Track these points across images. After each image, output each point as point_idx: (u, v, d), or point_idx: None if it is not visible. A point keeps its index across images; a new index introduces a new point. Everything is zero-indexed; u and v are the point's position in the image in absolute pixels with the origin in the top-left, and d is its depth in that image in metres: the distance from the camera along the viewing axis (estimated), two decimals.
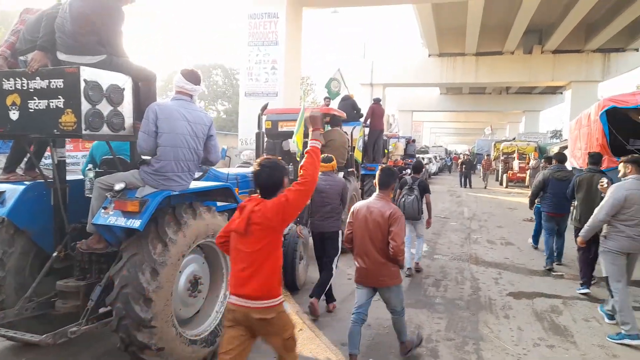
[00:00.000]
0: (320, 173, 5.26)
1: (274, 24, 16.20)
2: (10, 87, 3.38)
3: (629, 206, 4.68)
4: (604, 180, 5.51)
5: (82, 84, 3.18)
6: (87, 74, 3.23)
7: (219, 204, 4.70)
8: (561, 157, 7.95)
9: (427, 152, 35.65)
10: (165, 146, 3.50)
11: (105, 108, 3.37)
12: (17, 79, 3.35)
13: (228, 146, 17.76)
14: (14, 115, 3.39)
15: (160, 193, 3.45)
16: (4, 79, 3.39)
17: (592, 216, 4.97)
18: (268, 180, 2.75)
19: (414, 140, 24.20)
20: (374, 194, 4.04)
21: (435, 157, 34.35)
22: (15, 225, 3.81)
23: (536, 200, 8.06)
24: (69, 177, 4.15)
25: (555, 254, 7.71)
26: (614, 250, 4.76)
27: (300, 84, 24.10)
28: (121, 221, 3.30)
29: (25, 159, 4.26)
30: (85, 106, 3.21)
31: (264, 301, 2.64)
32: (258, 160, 2.86)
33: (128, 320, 3.29)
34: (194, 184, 3.96)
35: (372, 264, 3.84)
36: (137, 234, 3.34)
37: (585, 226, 5.07)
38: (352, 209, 4.04)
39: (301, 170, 2.75)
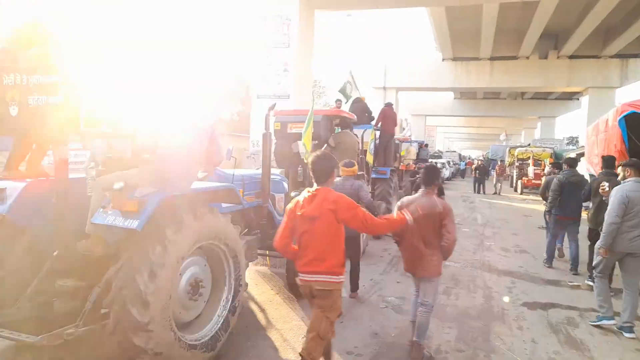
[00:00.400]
0: (341, 178, 5.71)
1: (286, 26, 16.13)
2: (11, 82, 3.32)
3: (632, 207, 4.92)
4: (605, 183, 5.71)
5: (80, 79, 3.10)
6: (87, 68, 3.15)
7: (224, 205, 4.62)
8: (572, 162, 8.03)
9: (440, 157, 35.29)
10: (167, 146, 3.40)
11: (106, 104, 3.28)
12: (17, 73, 3.29)
13: (240, 147, 17.71)
14: (13, 110, 3.32)
15: (160, 193, 3.34)
16: (4, 74, 3.33)
17: (604, 224, 5.07)
18: (322, 168, 3.29)
19: (426, 145, 23.97)
20: (420, 191, 4.26)
21: (448, 162, 33.99)
22: (15, 224, 3.74)
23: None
24: (74, 175, 4.08)
25: (570, 263, 7.61)
26: (612, 249, 5.03)
27: (312, 86, 24.02)
28: (119, 221, 3.20)
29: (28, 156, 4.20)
30: (83, 102, 3.12)
31: (328, 276, 3.14)
32: (314, 153, 3.40)
33: (124, 323, 3.19)
34: (197, 185, 3.85)
35: (419, 256, 4.08)
36: (136, 234, 3.23)
37: (602, 234, 5.11)
38: (398, 205, 4.27)
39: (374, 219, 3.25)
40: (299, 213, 3.22)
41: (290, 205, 3.34)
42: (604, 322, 5.07)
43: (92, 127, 3.23)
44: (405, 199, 4.31)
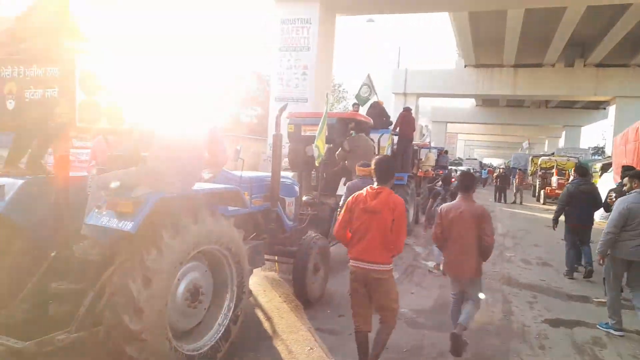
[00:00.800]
0: (358, 178, 5.97)
1: (306, 29, 16.01)
2: (8, 74, 3.20)
3: (633, 218, 5.02)
4: (613, 193, 6.20)
5: (78, 73, 2.96)
6: (85, 61, 3.01)
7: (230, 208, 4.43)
8: (582, 171, 8.19)
9: (460, 165, 34.66)
10: (165, 145, 3.23)
11: (103, 99, 3.13)
12: (15, 66, 3.17)
13: (257, 150, 17.59)
14: (10, 104, 3.20)
15: (157, 194, 3.16)
16: (2, 67, 3.21)
17: (603, 231, 5.24)
18: (385, 169, 3.73)
19: (446, 152, 23.47)
20: (458, 197, 4.51)
21: (468, 170, 33.34)
22: (13, 222, 3.61)
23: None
24: (76, 173, 3.95)
25: (584, 266, 7.63)
26: (616, 256, 5.16)
27: (332, 91, 23.83)
28: (113, 222, 3.03)
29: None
30: (80, 96, 2.98)
31: (381, 265, 3.54)
32: (378, 156, 3.84)
33: (116, 331, 3.02)
34: (198, 186, 3.67)
35: (461, 259, 4.31)
36: (131, 237, 3.06)
37: (599, 241, 5.29)
38: (439, 210, 4.55)
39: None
40: (362, 206, 3.59)
41: (349, 199, 3.73)
42: (611, 331, 5.16)
43: (88, 123, 3.06)
44: (445, 205, 4.56)
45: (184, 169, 3.35)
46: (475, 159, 47.44)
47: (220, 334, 3.76)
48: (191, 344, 3.56)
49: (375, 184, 3.70)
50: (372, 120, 8.76)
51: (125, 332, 2.99)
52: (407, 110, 12.04)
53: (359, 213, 3.60)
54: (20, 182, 3.63)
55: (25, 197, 3.60)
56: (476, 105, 43.84)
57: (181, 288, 3.43)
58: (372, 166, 3.76)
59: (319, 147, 6.54)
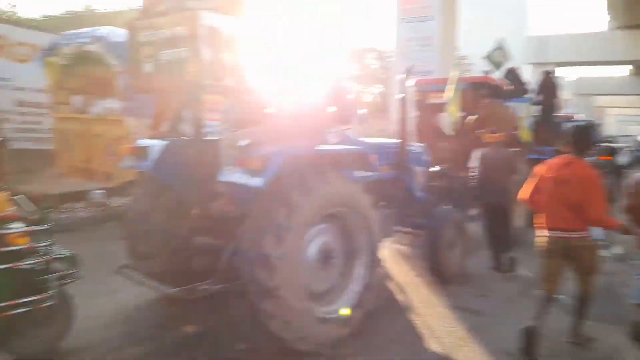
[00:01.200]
0: (490, 147, 5.58)
1: None
2: (144, 38, 3.32)
3: None
4: None
5: (203, 30, 2.94)
6: (209, 19, 2.98)
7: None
8: None
9: (612, 142, 30.32)
10: (288, 102, 3.13)
11: (228, 57, 3.10)
12: (149, 30, 3.27)
13: (379, 128, 17.27)
14: (148, 67, 3.32)
15: (284, 151, 3.07)
16: (138, 31, 3.35)
17: None
18: (582, 139, 3.52)
19: (596, 125, 20.53)
20: None
21: (624, 148, 28.94)
22: (160, 180, 3.85)
23: None
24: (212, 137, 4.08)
25: None
26: None
27: (458, 63, 22.34)
28: (243, 179, 3.02)
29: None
30: (206, 54, 2.97)
31: (578, 232, 3.42)
32: (575, 125, 3.68)
33: (252, 286, 3.04)
34: (325, 146, 3.50)
35: None
36: (262, 194, 3.03)
37: None
38: (629, 181, 4.01)
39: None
40: (551, 175, 3.46)
41: (540, 166, 3.64)
42: None
43: (214, 81, 3.05)
44: (637, 175, 3.95)
45: (308, 126, 3.22)
46: (632, 136, 41.06)
47: (353, 301, 3.61)
48: (324, 307, 3.46)
49: (570, 153, 3.51)
50: (507, 85, 7.84)
51: (261, 288, 2.99)
52: (547, 74, 10.62)
53: (548, 182, 3.49)
54: (162, 144, 3.84)
55: (167, 157, 3.80)
56: (631, 74, 37.79)
57: (312, 249, 3.36)
58: (569, 135, 3.54)
59: (453, 113, 5.98)
